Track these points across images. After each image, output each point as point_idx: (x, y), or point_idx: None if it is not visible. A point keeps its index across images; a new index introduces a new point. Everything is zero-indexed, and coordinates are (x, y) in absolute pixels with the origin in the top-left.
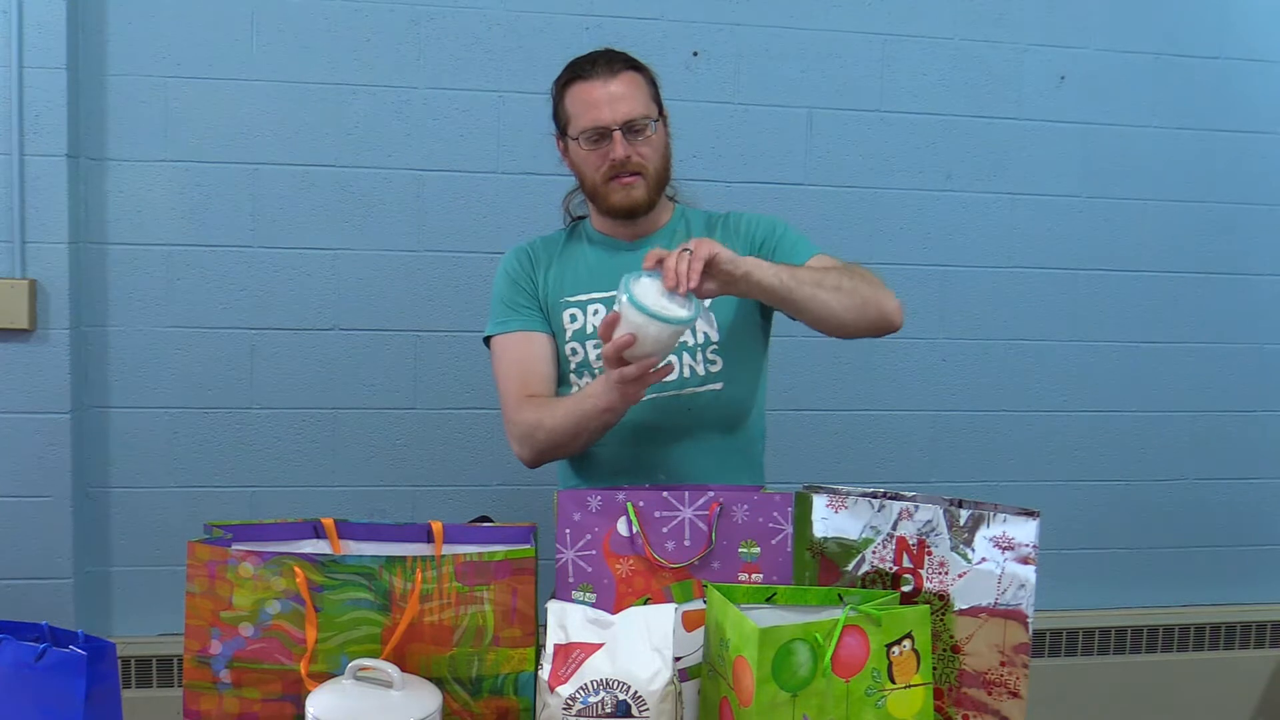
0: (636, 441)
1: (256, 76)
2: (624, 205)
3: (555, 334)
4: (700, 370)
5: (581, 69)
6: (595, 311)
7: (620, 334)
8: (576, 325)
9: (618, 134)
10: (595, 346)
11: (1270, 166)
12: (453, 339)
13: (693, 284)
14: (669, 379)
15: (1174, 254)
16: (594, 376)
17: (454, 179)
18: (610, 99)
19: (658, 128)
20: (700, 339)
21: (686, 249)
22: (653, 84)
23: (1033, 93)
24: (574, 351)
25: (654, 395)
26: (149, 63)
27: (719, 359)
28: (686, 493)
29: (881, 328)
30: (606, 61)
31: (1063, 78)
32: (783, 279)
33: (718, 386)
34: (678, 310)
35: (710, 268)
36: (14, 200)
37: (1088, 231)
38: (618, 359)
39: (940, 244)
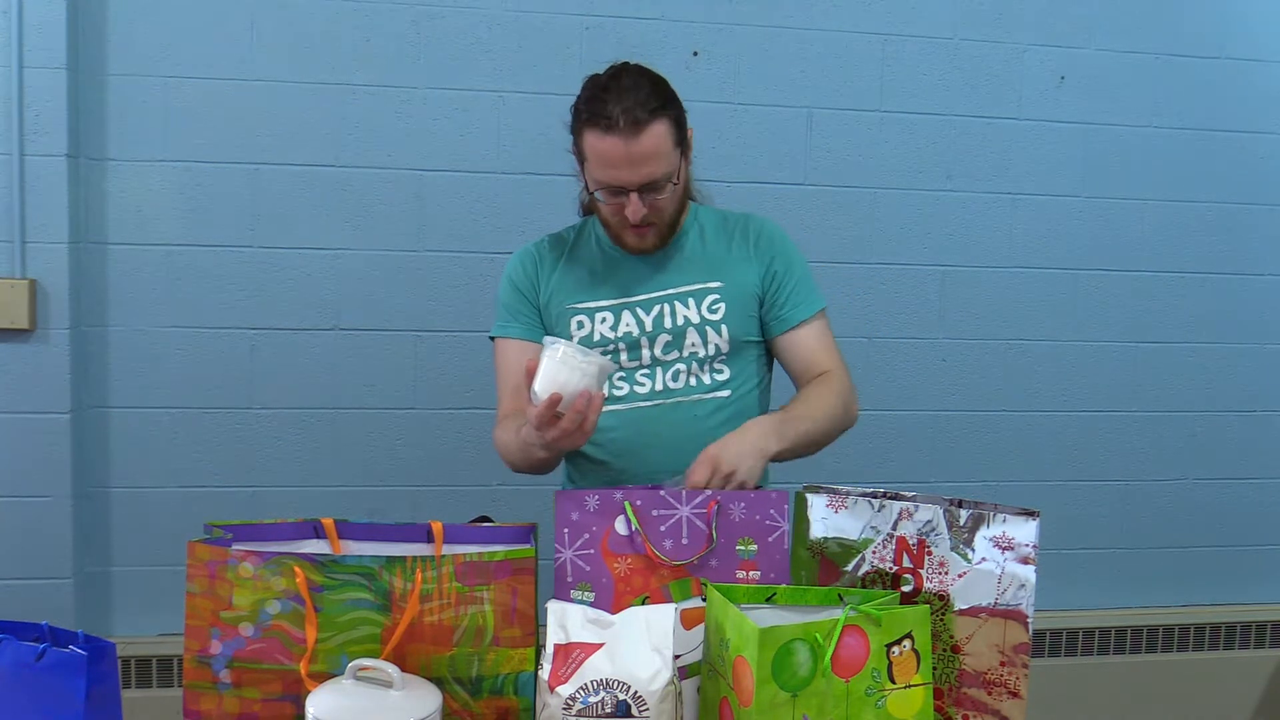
0: (643, 448)
1: (256, 76)
2: (636, 250)
3: (560, 336)
4: (707, 379)
5: (603, 117)
6: (604, 319)
7: (538, 388)
8: (584, 332)
9: (634, 195)
10: (603, 353)
11: (1270, 166)
12: (453, 339)
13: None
14: (675, 387)
15: (1174, 254)
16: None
17: (454, 179)
18: (630, 160)
19: (679, 174)
20: (711, 351)
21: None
22: (676, 123)
23: (1033, 93)
24: None
25: (659, 403)
26: (149, 63)
27: (726, 368)
28: (684, 491)
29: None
30: (631, 109)
31: (1063, 78)
32: (795, 451)
33: (725, 394)
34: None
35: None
36: (14, 200)
37: (1088, 231)
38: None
39: (940, 244)
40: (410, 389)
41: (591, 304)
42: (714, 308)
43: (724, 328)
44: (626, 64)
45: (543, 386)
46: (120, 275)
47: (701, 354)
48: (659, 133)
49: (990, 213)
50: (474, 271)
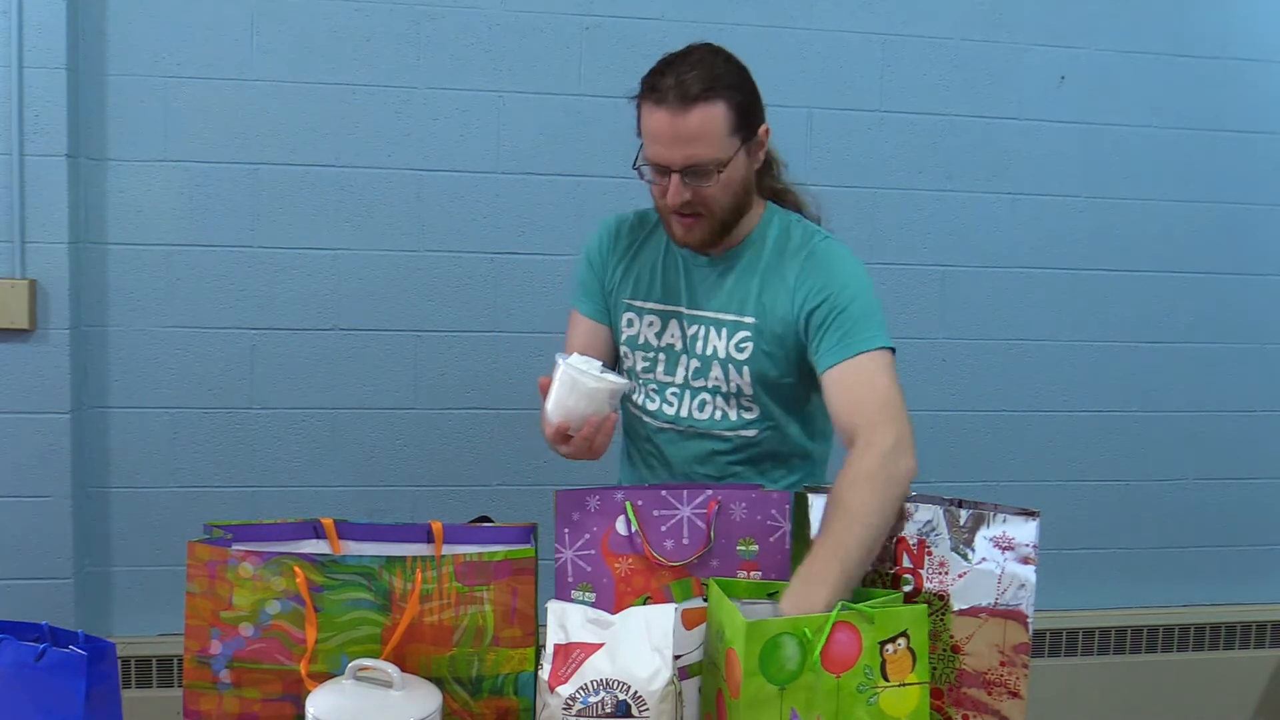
0: (665, 466)
1: (256, 76)
2: (682, 243)
3: (614, 327)
4: (733, 416)
5: (658, 87)
6: (650, 323)
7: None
8: (631, 331)
9: (675, 177)
10: (644, 358)
11: (1271, 166)
12: (453, 339)
13: None
14: (700, 417)
15: (1174, 254)
16: (641, 383)
17: (454, 179)
18: (675, 137)
19: (732, 164)
20: (733, 388)
21: None
22: (738, 110)
23: (1033, 93)
24: (625, 355)
25: (684, 429)
26: (149, 63)
27: (755, 407)
28: (685, 491)
29: None
30: (687, 84)
31: (1063, 78)
32: (846, 589)
33: (750, 434)
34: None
35: None
36: (14, 200)
37: (1088, 231)
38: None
39: (940, 244)
40: (410, 389)
41: (643, 304)
42: (741, 346)
43: (745, 370)
44: (707, 44)
45: (553, 409)
46: (120, 275)
47: (725, 389)
48: (711, 114)
49: (990, 213)
50: (474, 271)
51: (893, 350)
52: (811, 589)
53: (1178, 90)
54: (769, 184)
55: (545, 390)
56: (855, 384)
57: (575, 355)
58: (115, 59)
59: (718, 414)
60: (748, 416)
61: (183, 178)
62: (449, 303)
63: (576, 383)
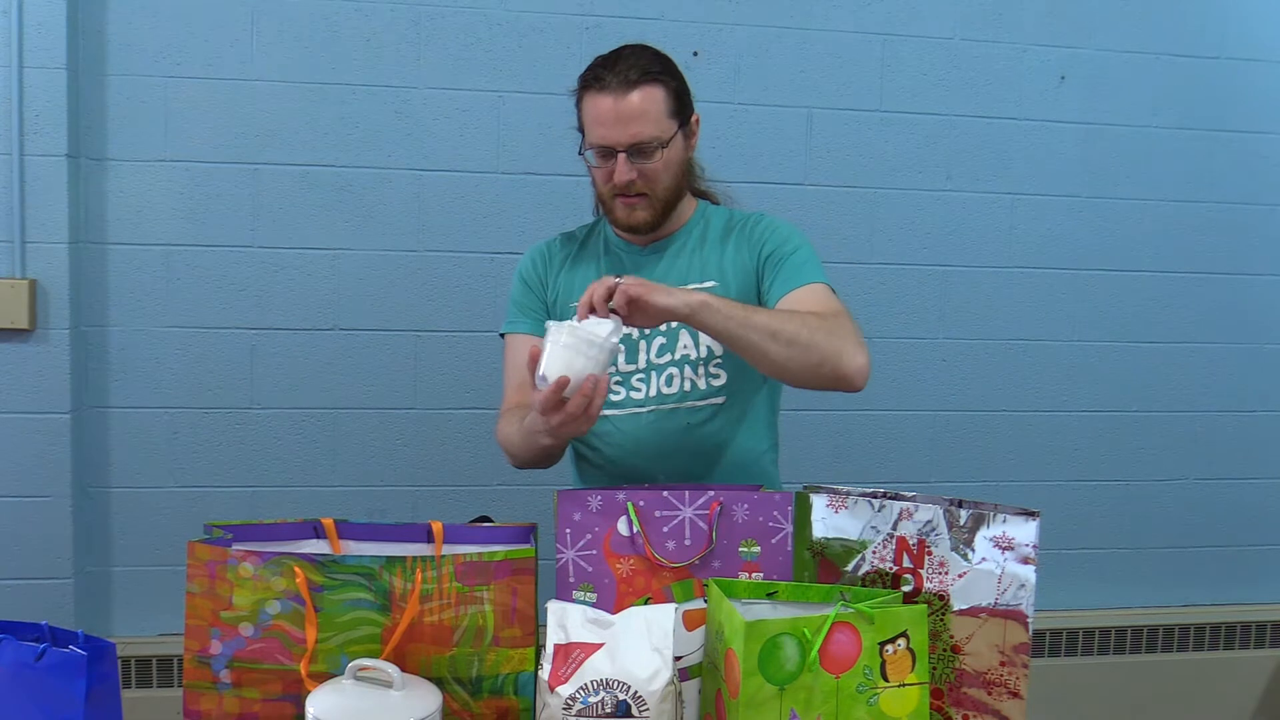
0: (641, 456)
1: (256, 76)
2: (627, 224)
3: None
4: (702, 384)
5: (597, 77)
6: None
7: (545, 371)
8: None
9: (622, 156)
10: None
11: (1271, 166)
12: (453, 339)
13: (599, 312)
14: (669, 392)
15: (1174, 254)
16: None
17: (454, 179)
18: (618, 118)
19: (672, 144)
20: (703, 353)
21: (618, 281)
22: (674, 94)
23: (1033, 93)
24: None
25: (654, 409)
26: (149, 63)
27: (722, 373)
28: (687, 492)
29: (837, 387)
30: (624, 71)
31: (1063, 78)
32: (730, 328)
33: (720, 400)
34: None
35: (636, 305)
36: (14, 200)
37: (1088, 231)
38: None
39: (940, 244)
40: (410, 389)
41: None
42: None
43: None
44: (637, 43)
45: (549, 370)
46: (120, 275)
47: (694, 355)
48: (650, 95)
49: (990, 213)
50: (474, 271)
51: (834, 291)
52: (694, 296)
53: (1178, 90)
54: (693, 185)
55: (536, 359)
56: (803, 301)
57: (566, 323)
58: (115, 59)
59: (687, 384)
60: (716, 383)
61: (183, 178)
62: (449, 303)
63: (573, 341)
